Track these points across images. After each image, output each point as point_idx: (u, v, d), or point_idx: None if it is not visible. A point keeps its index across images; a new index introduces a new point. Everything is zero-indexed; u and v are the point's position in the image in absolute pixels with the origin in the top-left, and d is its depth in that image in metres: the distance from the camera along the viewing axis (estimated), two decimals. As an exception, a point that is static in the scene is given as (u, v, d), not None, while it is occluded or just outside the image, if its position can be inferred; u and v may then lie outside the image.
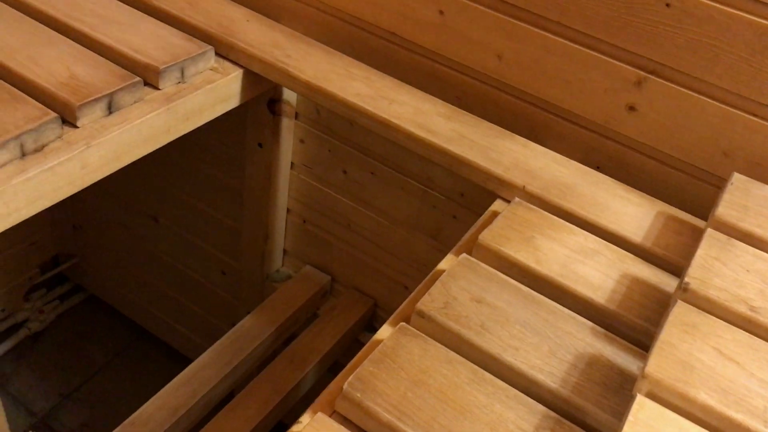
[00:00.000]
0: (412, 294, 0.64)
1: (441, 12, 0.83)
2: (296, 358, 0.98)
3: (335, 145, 1.00)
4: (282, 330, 1.03)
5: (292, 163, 1.06)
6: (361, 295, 1.09)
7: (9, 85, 0.73)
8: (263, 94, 0.94)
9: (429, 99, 0.84)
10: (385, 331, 0.60)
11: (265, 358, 1.03)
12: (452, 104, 0.84)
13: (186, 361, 1.42)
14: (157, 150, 0.80)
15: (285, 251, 1.16)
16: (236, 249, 1.17)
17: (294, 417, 0.56)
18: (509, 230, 0.68)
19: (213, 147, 1.09)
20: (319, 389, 0.58)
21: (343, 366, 0.58)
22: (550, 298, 0.62)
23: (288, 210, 1.11)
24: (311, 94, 0.83)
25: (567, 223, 0.71)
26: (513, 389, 0.55)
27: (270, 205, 1.07)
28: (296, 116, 1.01)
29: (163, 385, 0.95)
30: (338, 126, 0.98)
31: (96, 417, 1.34)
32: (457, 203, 0.92)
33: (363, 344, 1.07)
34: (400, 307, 0.63)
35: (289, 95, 0.98)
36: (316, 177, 1.05)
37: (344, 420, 0.53)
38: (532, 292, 0.63)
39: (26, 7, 0.85)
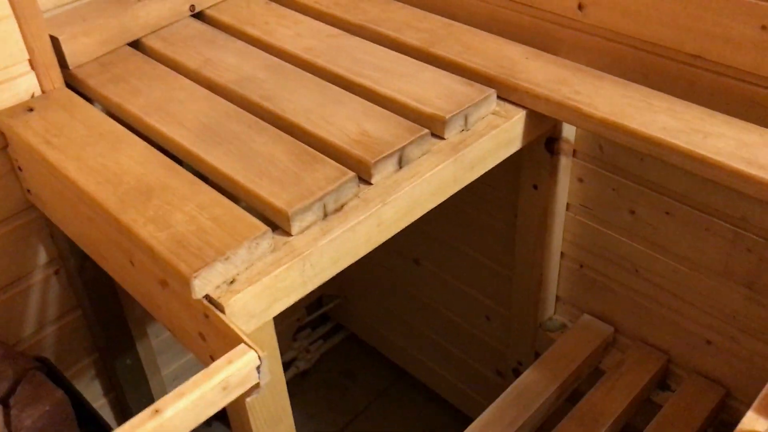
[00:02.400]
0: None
1: (763, 27, 0.71)
2: (586, 419, 0.89)
3: (621, 183, 0.90)
4: (565, 386, 0.95)
5: (568, 204, 0.98)
6: (651, 349, 0.97)
7: (306, 146, 0.74)
8: (543, 133, 0.88)
9: (752, 128, 0.72)
10: (753, 422, 0.49)
11: (548, 417, 0.95)
12: (780, 133, 0.71)
13: (446, 405, 1.40)
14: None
15: (558, 298, 1.08)
16: (504, 294, 1.12)
17: None
18: None
19: (480, 189, 1.05)
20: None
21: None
22: None
23: (562, 254, 1.03)
24: (607, 132, 0.75)
25: None
26: None
27: (544, 249, 1.00)
28: (574, 153, 0.94)
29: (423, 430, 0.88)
30: (625, 162, 0.88)
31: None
32: (780, 247, 0.78)
33: (656, 404, 0.95)
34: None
35: (569, 132, 0.91)
36: (597, 218, 0.96)
37: None
38: None
39: (311, 66, 0.87)
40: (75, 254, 0.91)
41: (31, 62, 0.82)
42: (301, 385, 1.50)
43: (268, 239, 0.64)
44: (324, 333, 1.55)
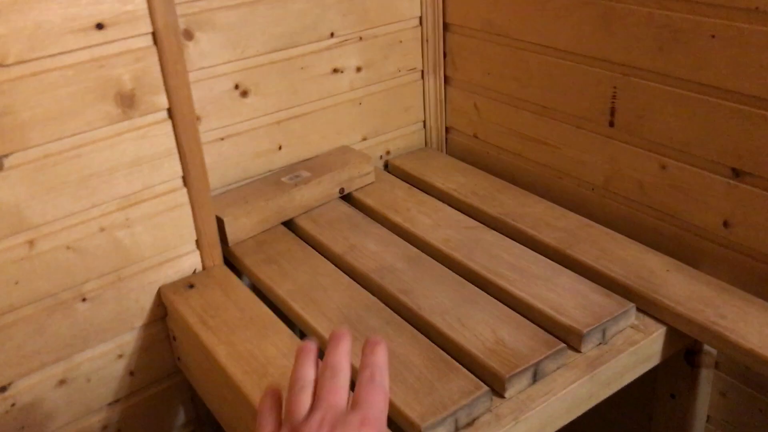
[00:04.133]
0: None
1: None
2: None
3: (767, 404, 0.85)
4: None
5: (708, 416, 0.93)
6: None
7: (441, 350, 0.76)
8: (683, 348, 0.85)
9: None
10: None
11: None
12: None
13: None
14: (577, 419, 0.75)
15: None
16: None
17: None
18: None
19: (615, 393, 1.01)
20: None
21: None
22: None
23: (700, 467, 0.97)
24: (756, 364, 0.72)
25: None
26: None
27: (681, 460, 0.94)
28: (716, 365, 0.90)
29: None
30: (774, 384, 0.84)
31: None
32: None
33: None
34: None
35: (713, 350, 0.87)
36: (740, 436, 0.90)
37: None
38: None
39: (449, 259, 0.90)
40: (210, 420, 0.96)
41: (198, 242, 0.91)
42: None
43: (400, 454, 0.65)
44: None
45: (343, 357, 0.53)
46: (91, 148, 0.79)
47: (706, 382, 0.90)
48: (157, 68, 0.81)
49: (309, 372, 0.54)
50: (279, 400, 0.54)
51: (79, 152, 0.79)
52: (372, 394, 0.50)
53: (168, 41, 0.80)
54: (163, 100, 0.82)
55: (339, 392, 0.51)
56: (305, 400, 0.51)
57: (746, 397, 0.87)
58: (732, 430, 0.91)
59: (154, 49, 0.80)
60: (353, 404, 0.50)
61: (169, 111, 0.83)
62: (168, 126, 0.84)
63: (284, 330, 0.81)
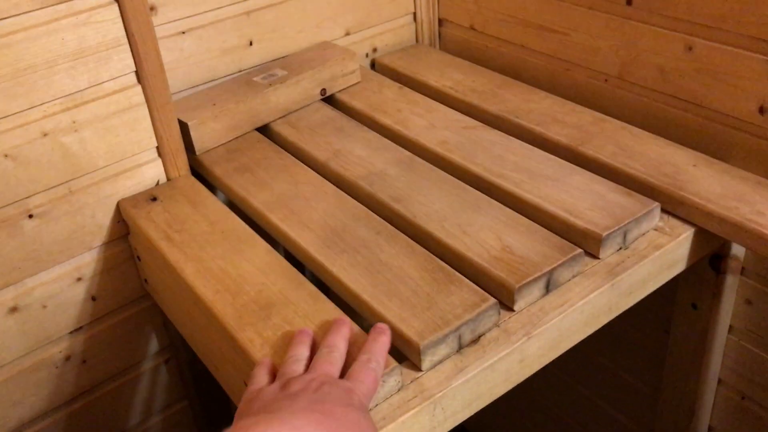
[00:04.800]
0: None
1: None
2: None
3: (801, 312, 0.77)
4: None
5: (731, 327, 0.85)
6: None
7: (440, 260, 0.66)
8: (710, 252, 0.76)
9: None
10: None
11: None
12: None
13: None
14: (595, 332, 0.66)
15: (710, 429, 0.93)
16: (647, 417, 0.98)
17: None
18: None
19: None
20: None
21: None
22: None
23: (720, 381, 0.89)
24: (801, 265, 0.63)
25: None
26: None
27: (699, 374, 0.87)
28: (742, 271, 0.81)
29: None
30: (809, 290, 0.75)
31: None
32: None
33: None
34: None
35: (738, 248, 0.78)
36: (765, 346, 0.82)
37: None
38: None
39: (446, 162, 0.80)
40: (186, 346, 0.87)
41: (158, 149, 0.80)
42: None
43: (396, 376, 0.56)
44: None
45: (341, 340, 0.56)
46: (23, 36, 0.67)
47: (731, 290, 0.82)
48: (97, -61, 0.68)
49: (304, 350, 0.55)
50: (273, 367, 0.55)
51: (9, 41, 0.66)
52: (364, 374, 0.52)
53: None
54: (106, -21, 0.70)
55: (333, 365, 0.53)
56: (299, 369, 0.53)
57: (777, 305, 0.79)
58: (756, 339, 0.83)
59: None
60: (345, 376, 0.52)
61: (115, -8, 0.71)
62: (114, 10, 0.71)
63: (261, 244, 0.71)
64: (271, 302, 0.63)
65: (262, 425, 0.44)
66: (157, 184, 0.81)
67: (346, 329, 0.57)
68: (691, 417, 0.91)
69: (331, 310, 0.62)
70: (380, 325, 0.57)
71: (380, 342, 0.55)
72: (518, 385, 0.63)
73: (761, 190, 0.70)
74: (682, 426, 0.92)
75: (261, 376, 0.54)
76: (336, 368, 0.53)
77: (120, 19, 0.72)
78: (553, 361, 0.61)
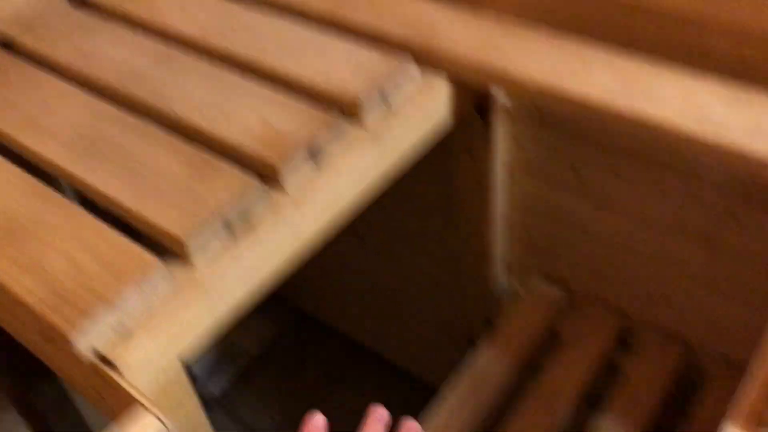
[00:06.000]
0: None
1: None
2: (547, 393, 0.84)
3: (562, 142, 0.83)
4: (524, 360, 0.90)
5: (509, 169, 0.91)
6: (607, 311, 0.92)
7: (201, 151, 0.64)
8: (474, 100, 0.79)
9: (699, 81, 0.64)
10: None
11: (509, 395, 0.90)
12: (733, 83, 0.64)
13: (406, 375, 1.35)
14: (369, 195, 0.68)
15: (507, 263, 1.02)
16: (452, 263, 1.05)
17: None
18: None
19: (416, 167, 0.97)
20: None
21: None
22: None
23: (507, 219, 0.96)
24: (540, 98, 0.67)
25: None
26: None
27: (486, 214, 0.93)
28: (509, 114, 0.86)
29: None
30: (566, 120, 0.81)
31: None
32: (734, 201, 0.73)
33: (621, 371, 0.90)
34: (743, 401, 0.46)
35: (500, 93, 0.82)
36: (540, 181, 0.89)
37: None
38: None
39: (203, 49, 0.76)
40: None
41: None
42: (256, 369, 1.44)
43: (163, 275, 0.55)
44: (275, 315, 1.49)
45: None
46: None
47: (501, 133, 0.86)
48: None
49: None
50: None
51: None
52: None
53: None
54: None
55: None
56: None
57: (540, 139, 0.84)
58: (531, 176, 0.89)
59: None
60: None
61: None
62: None
63: (8, 168, 0.65)
64: (24, 226, 0.59)
65: None
66: None
67: (382, 425, 0.50)
68: (487, 255, 0.98)
69: (91, 224, 0.59)
70: (410, 422, 0.50)
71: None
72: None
73: (506, 32, 0.73)
74: (480, 266, 0.99)
75: None
76: None
77: None
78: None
